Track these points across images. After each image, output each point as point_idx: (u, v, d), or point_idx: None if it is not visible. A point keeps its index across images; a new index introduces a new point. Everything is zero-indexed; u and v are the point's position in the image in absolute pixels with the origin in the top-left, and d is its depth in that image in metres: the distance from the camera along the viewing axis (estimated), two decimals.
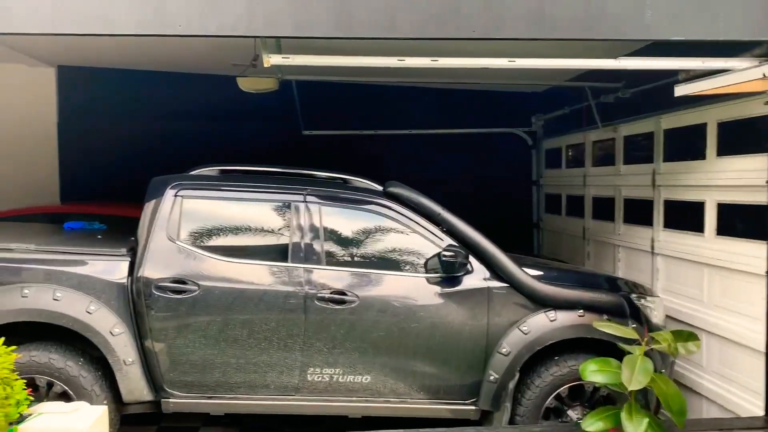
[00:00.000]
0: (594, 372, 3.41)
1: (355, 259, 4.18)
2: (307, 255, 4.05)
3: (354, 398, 4.07)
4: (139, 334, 3.89)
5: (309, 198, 4.16)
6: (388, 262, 4.18)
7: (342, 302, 3.98)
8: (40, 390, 3.74)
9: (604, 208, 6.41)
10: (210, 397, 4.00)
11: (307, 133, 7.76)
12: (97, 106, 7.91)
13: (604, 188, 6.41)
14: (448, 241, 4.15)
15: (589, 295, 4.16)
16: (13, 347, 3.20)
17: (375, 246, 4.22)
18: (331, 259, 4.11)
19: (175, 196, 4.07)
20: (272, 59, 3.66)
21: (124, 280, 3.90)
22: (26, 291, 3.75)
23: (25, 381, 3.62)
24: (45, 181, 7.91)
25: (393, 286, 4.08)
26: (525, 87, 7.81)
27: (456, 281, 4.09)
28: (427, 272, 4.11)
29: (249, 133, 7.84)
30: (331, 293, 3.99)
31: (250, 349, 3.94)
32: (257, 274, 3.98)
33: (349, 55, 3.76)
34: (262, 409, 4.05)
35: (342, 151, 7.69)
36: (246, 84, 5.84)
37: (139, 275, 3.88)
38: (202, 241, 4.05)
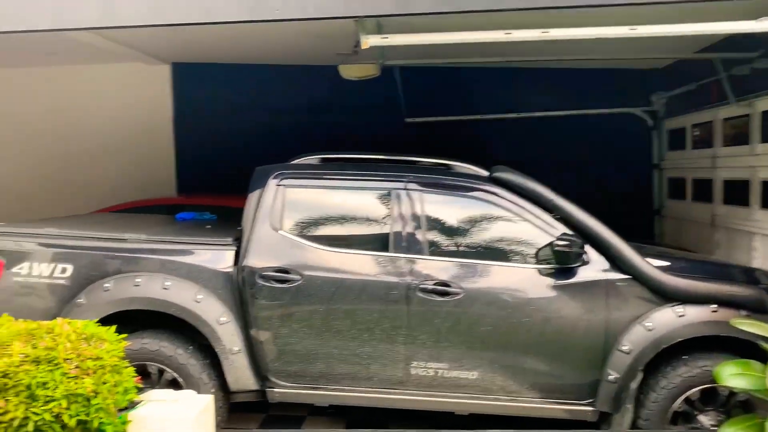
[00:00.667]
0: (733, 376, 3.02)
1: (460, 248, 3.97)
2: (409, 244, 3.89)
3: (461, 394, 3.88)
4: (245, 324, 3.89)
5: (410, 185, 4.00)
6: (494, 253, 3.94)
7: (446, 294, 3.79)
8: (152, 377, 3.85)
9: (736, 192, 5.78)
10: (314, 388, 3.95)
11: (410, 120, 7.60)
12: (209, 101, 8.16)
13: (737, 170, 5.78)
14: (562, 229, 3.85)
15: (725, 289, 3.72)
16: (124, 335, 3.27)
17: (481, 235, 3.99)
18: (434, 249, 3.93)
19: (278, 185, 4.04)
20: (371, 40, 3.53)
21: (230, 269, 3.92)
22: (138, 280, 3.86)
23: (135, 368, 3.76)
24: (162, 174, 8.28)
25: (501, 277, 3.84)
26: (643, 63, 7.22)
27: (570, 273, 3.78)
28: (538, 263, 3.84)
29: (352, 122, 7.80)
30: (434, 284, 3.81)
31: (352, 341, 3.84)
32: (359, 264, 3.88)
33: (451, 30, 3.55)
34: (365, 401, 3.95)
35: (446, 138, 7.46)
36: (347, 71, 5.77)
37: (243, 264, 3.88)
38: (304, 231, 4.00)
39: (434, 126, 7.62)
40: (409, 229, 3.92)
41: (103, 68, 8.13)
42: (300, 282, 3.84)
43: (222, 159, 7.99)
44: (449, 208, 4.03)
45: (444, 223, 4.01)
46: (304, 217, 4.04)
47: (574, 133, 7.72)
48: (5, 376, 2.72)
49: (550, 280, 3.81)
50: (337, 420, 4.62)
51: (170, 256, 3.92)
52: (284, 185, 4.04)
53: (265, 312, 3.86)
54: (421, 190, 3.99)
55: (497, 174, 4.04)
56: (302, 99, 7.91)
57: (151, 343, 3.82)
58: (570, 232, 3.83)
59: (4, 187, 8.45)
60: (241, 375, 3.90)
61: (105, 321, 3.82)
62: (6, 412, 2.69)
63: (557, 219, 3.93)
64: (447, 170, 4.27)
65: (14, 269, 3.92)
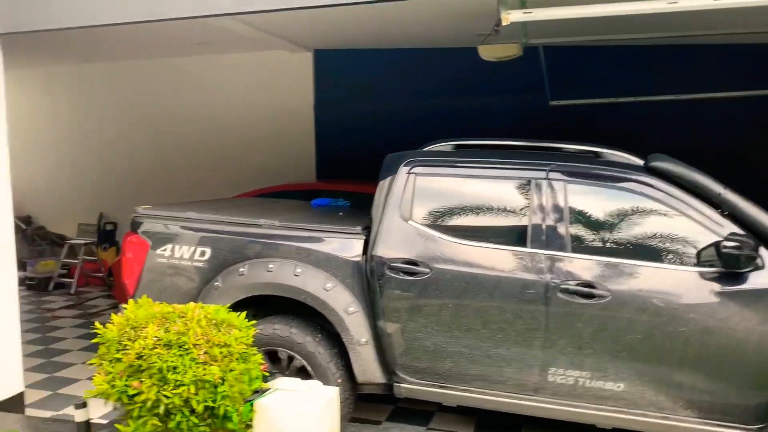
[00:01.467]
0: None
1: (607, 245, 3.57)
2: (550, 239, 3.56)
3: (603, 406, 3.51)
4: (373, 315, 3.79)
5: (552, 174, 3.65)
6: (648, 252, 3.51)
7: (590, 296, 3.43)
8: (282, 363, 3.86)
9: None
10: (442, 387, 3.76)
11: (554, 103, 7.11)
12: (349, 87, 8.20)
13: None
14: (731, 227, 3.33)
15: None
16: (253, 322, 3.27)
17: (632, 231, 3.57)
18: (578, 245, 3.56)
19: (409, 173, 3.87)
20: (512, 15, 3.23)
21: (359, 259, 3.82)
22: (271, 265, 3.87)
23: (265, 353, 3.78)
24: (303, 160, 8.47)
25: (654, 280, 3.41)
26: None
27: (740, 278, 3.27)
28: (700, 265, 3.36)
29: (494, 106, 7.46)
30: (577, 285, 3.46)
31: (484, 341, 3.60)
32: (492, 259, 3.61)
33: (602, 2, 3.15)
34: (496, 405, 3.70)
35: (595, 123, 6.93)
36: (487, 52, 5.46)
37: (372, 254, 3.76)
38: (435, 221, 3.80)
39: (582, 110, 7.07)
40: (550, 222, 3.59)
41: (250, 56, 8.45)
42: (429, 275, 3.66)
43: (361, 145, 8.01)
44: (596, 200, 3.64)
45: (590, 217, 3.63)
46: (435, 206, 3.84)
47: (750, 116, 6.82)
48: (140, 357, 2.80)
49: (714, 285, 3.32)
50: (467, 419, 4.41)
51: (301, 243, 3.90)
52: (415, 173, 3.86)
53: (392, 304, 3.72)
54: (564, 180, 3.64)
55: (654, 163, 3.58)
56: (442, 83, 7.69)
57: (282, 329, 3.82)
58: (740, 231, 3.31)
59: (158, 170, 9.09)
60: (368, 367, 3.80)
61: (238, 303, 3.91)
62: (140, 393, 2.77)
63: (724, 215, 3.41)
64: (595, 158, 3.87)
65: (158, 251, 4.09)
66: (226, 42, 7.74)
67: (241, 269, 3.91)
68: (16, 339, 4.27)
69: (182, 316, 2.98)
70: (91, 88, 9.38)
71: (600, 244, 3.59)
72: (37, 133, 9.78)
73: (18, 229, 9.52)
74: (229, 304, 3.87)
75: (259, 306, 4.16)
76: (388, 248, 3.75)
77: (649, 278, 3.41)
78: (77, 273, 8.39)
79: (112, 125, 9.33)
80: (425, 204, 3.84)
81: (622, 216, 3.57)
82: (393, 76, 7.95)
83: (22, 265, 8.79)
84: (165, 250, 4.09)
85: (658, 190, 3.49)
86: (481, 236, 3.74)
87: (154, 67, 8.94)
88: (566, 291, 3.47)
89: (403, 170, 3.88)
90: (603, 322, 3.42)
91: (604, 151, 3.87)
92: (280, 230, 3.97)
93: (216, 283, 3.94)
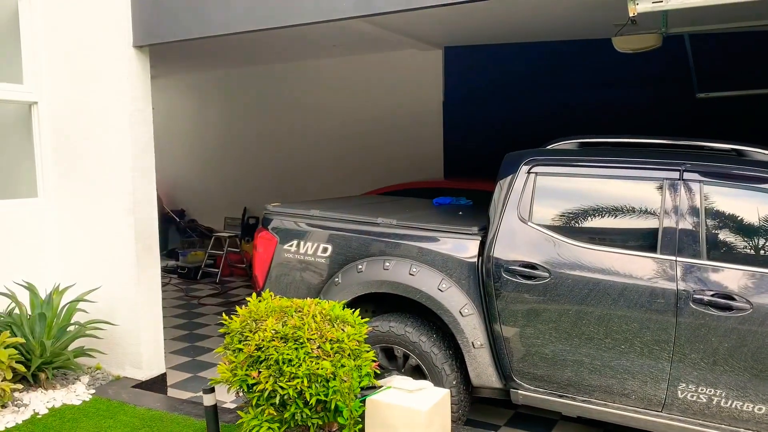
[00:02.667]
0: None
1: (750, 254, 3.24)
2: (682, 245, 3.29)
3: (740, 429, 3.19)
4: (488, 318, 3.72)
5: (687, 174, 3.37)
6: None
7: (728, 308, 3.13)
8: (398, 360, 3.90)
9: None
10: (561, 396, 3.62)
11: (702, 95, 6.57)
12: (478, 84, 8.11)
13: None
14: None
15: None
16: (366, 319, 3.33)
17: None
18: (715, 252, 3.26)
19: (528, 172, 3.75)
20: (640, 6, 3.01)
21: (474, 260, 3.76)
22: (387, 264, 3.93)
23: (382, 349, 3.85)
24: (431, 157, 8.50)
25: None
26: None
27: None
28: None
29: (635, 100, 7.03)
30: (712, 296, 3.17)
31: (606, 351, 3.41)
32: (618, 265, 3.41)
33: None
34: (619, 419, 3.50)
35: (748, 117, 6.32)
36: (622, 43, 5.14)
37: (488, 255, 3.69)
38: (555, 223, 3.65)
39: (733, 103, 6.47)
40: (684, 226, 3.32)
41: (382, 57, 8.62)
42: (548, 279, 3.53)
43: (489, 143, 7.90)
44: (739, 204, 3.31)
45: (730, 222, 3.31)
46: (556, 208, 3.69)
47: None
48: (259, 349, 2.96)
49: None
50: (592, 430, 4.21)
51: (417, 242, 3.91)
52: (536, 173, 3.73)
53: (509, 308, 3.63)
54: (701, 181, 3.34)
55: None
56: (577, 77, 7.37)
57: (398, 326, 3.86)
58: None
59: (296, 168, 9.54)
60: (483, 371, 3.75)
61: (359, 299, 4.02)
62: (258, 383, 2.92)
63: None
64: (737, 157, 3.52)
65: (285, 246, 4.29)
66: (359, 43, 7.97)
67: (360, 266, 4.00)
68: (158, 324, 4.69)
69: (299, 311, 3.11)
70: (236, 92, 10.06)
71: (741, 252, 3.26)
72: (189, 134, 10.67)
73: (173, 222, 10.45)
74: (347, 300, 4.01)
75: (380, 302, 4.26)
76: (506, 250, 3.66)
77: None
78: (222, 263, 9.02)
79: (254, 126, 9.95)
80: (546, 205, 3.70)
81: (765, 221, 3.22)
82: (524, 72, 7.75)
83: (175, 255, 9.65)
84: (291, 245, 4.28)
85: None
86: (606, 240, 3.54)
87: (292, 69, 9.40)
88: (700, 302, 3.19)
89: (523, 169, 3.77)
90: (742, 337, 3.11)
91: (749, 149, 3.51)
92: (397, 229, 4.01)
93: (336, 279, 4.07)
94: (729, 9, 4.53)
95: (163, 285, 8.64)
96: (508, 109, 7.83)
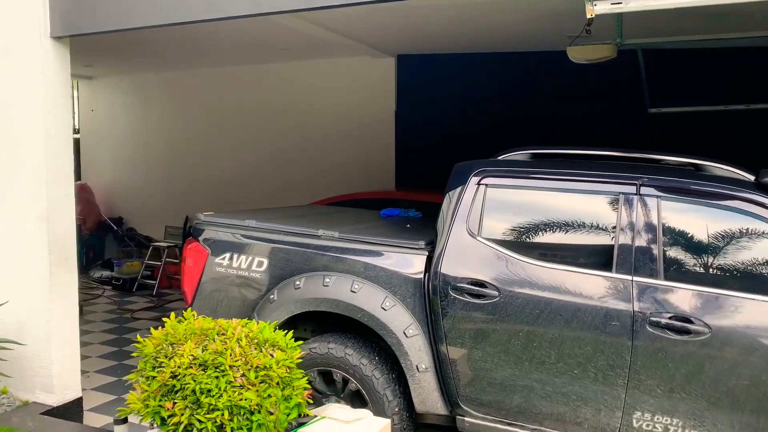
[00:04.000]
0: None
1: (708, 274, 3.07)
2: (638, 264, 3.10)
3: None
4: (434, 339, 3.46)
5: (644, 189, 3.19)
6: (758, 283, 2.98)
7: (686, 331, 2.95)
8: (337, 385, 3.60)
9: None
10: (510, 423, 3.37)
11: (654, 110, 6.51)
12: (431, 93, 7.91)
13: None
14: None
15: None
16: (300, 342, 3.03)
17: (737, 257, 3.05)
18: (672, 272, 3.08)
19: (478, 184, 3.51)
20: (598, 7, 2.81)
21: (421, 276, 3.50)
22: (328, 280, 3.63)
23: (320, 372, 3.54)
24: (382, 167, 8.24)
25: (766, 316, 2.88)
26: None
27: None
28: None
29: (587, 113, 6.93)
30: (670, 318, 2.99)
31: (558, 375, 3.18)
32: (571, 284, 3.19)
33: None
34: None
35: (700, 133, 6.28)
36: (577, 53, 4.99)
37: (435, 272, 3.44)
38: (506, 238, 3.42)
39: (685, 118, 6.43)
40: (640, 244, 3.13)
41: (334, 62, 8.34)
42: (497, 298, 3.29)
43: (442, 153, 7.63)
44: (696, 221, 3.15)
45: (688, 240, 3.14)
46: (507, 222, 3.47)
47: None
48: (174, 377, 2.62)
49: None
50: None
51: (359, 256, 3.63)
52: (486, 184, 3.50)
53: (456, 329, 3.37)
54: (658, 196, 3.16)
55: None
56: (530, 88, 7.25)
57: (337, 348, 3.56)
58: None
59: (242, 176, 9.15)
60: (428, 396, 3.47)
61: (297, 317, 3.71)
62: (173, 415, 2.58)
63: None
64: (696, 172, 3.36)
65: (217, 259, 3.95)
66: (309, 48, 7.68)
67: (297, 282, 3.69)
68: (75, 344, 4.24)
69: (222, 334, 2.78)
70: (181, 95, 9.61)
71: (699, 272, 3.09)
72: (130, 138, 10.14)
73: (110, 230, 9.90)
74: (284, 319, 3.69)
75: (321, 321, 3.95)
76: (453, 266, 3.41)
77: (759, 314, 2.89)
78: (160, 274, 8.55)
79: (200, 131, 9.51)
80: (496, 219, 3.47)
81: (727, 240, 3.06)
82: (478, 82, 7.60)
83: (110, 265, 9.11)
84: (224, 258, 3.94)
85: None
86: (559, 257, 3.33)
87: (241, 73, 9.03)
88: (657, 324, 3.00)
89: (472, 180, 3.53)
90: (700, 362, 2.93)
91: (707, 164, 3.36)
92: (338, 242, 3.72)
93: (272, 296, 3.75)
94: (683, 20, 4.42)
95: (95, 297, 8.12)
96: (461, 120, 7.66)
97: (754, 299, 2.91)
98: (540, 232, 3.41)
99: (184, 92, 9.55)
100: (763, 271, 3.01)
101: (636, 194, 3.19)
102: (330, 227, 3.86)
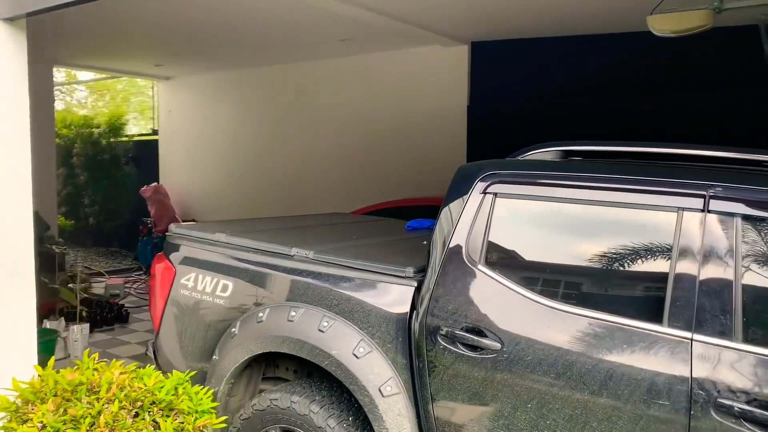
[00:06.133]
0: None
1: None
2: (703, 316, 2.06)
3: None
4: (418, 399, 2.59)
5: (714, 202, 2.13)
6: None
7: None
8: None
9: None
10: None
11: None
12: (509, 84, 6.92)
13: None
14: None
15: None
16: (216, 404, 2.28)
17: None
18: (756, 331, 2.02)
19: (485, 192, 2.59)
20: None
21: (406, 315, 2.64)
22: (293, 314, 2.86)
23: None
24: (453, 166, 7.33)
25: None
26: None
27: None
28: None
29: (689, 101, 5.67)
30: (748, 402, 1.93)
31: None
32: (604, 338, 2.21)
33: None
34: None
35: None
36: (660, 24, 3.88)
37: (421, 311, 2.57)
38: (516, 270, 2.48)
39: None
40: (708, 286, 2.09)
41: (402, 54, 7.57)
42: (499, 353, 2.36)
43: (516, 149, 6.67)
44: None
45: None
46: (519, 247, 2.53)
47: None
48: None
49: None
50: None
51: (334, 284, 2.82)
52: (495, 193, 2.57)
53: (445, 390, 2.49)
54: (736, 214, 2.10)
55: None
56: (616, 74, 6.08)
57: (302, 403, 2.77)
58: None
59: (304, 178, 8.59)
60: None
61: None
62: None
63: None
64: None
65: (182, 280, 3.30)
66: (371, 38, 6.98)
67: (261, 314, 2.95)
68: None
69: (95, 392, 2.09)
70: (250, 93, 9.23)
71: None
72: (205, 139, 9.92)
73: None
74: (241, 360, 2.97)
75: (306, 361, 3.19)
76: (444, 305, 2.52)
77: None
78: None
79: (269, 131, 9.08)
80: (505, 241, 2.54)
81: None
82: (562, 70, 6.51)
83: None
84: (189, 279, 3.29)
85: None
86: (588, 300, 2.35)
87: (298, 69, 8.50)
88: (728, 410, 1.96)
89: (478, 187, 2.62)
90: None
91: None
92: (312, 265, 2.93)
93: (233, 330, 3.04)
94: None
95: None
96: (543, 112, 6.60)
97: None
98: (564, 263, 2.44)
99: (254, 91, 9.16)
100: None
101: (702, 210, 2.14)
102: (310, 244, 3.09)
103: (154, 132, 10.98)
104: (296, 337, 2.80)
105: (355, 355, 2.67)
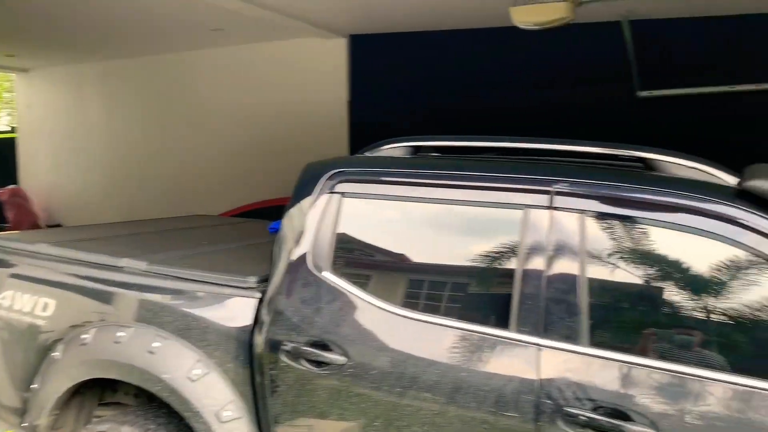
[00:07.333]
0: None
1: (660, 338, 1.90)
2: (550, 320, 1.94)
3: None
4: (261, 425, 2.33)
5: (559, 199, 2.02)
6: (738, 355, 1.81)
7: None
8: None
9: None
10: None
11: (645, 94, 5.33)
12: (386, 76, 6.77)
13: None
14: None
15: None
16: None
17: (712, 310, 1.88)
18: (604, 336, 1.92)
19: (332, 192, 2.37)
20: None
21: (248, 331, 2.38)
22: (120, 334, 2.52)
23: None
24: None
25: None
26: None
27: None
28: None
29: (568, 97, 5.76)
30: (595, 410, 1.82)
31: None
32: (451, 347, 2.04)
33: None
34: None
35: (700, 120, 5.10)
36: (522, 15, 3.82)
37: (260, 325, 2.31)
38: (361, 276, 2.28)
39: (683, 102, 5.21)
40: (554, 288, 1.97)
41: (279, 46, 7.25)
42: (345, 367, 2.15)
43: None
44: (641, 250, 1.97)
45: (630, 281, 1.97)
46: (365, 250, 2.33)
47: None
48: None
49: None
50: None
51: (168, 298, 2.51)
52: (342, 193, 2.36)
53: (289, 410, 2.25)
54: (581, 211, 2.00)
55: (753, 183, 1.85)
56: (490, 69, 6.08)
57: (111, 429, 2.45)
58: None
59: (181, 176, 8.11)
60: None
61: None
62: None
63: None
64: (644, 170, 2.19)
65: None
66: (245, 29, 6.61)
67: (85, 336, 2.59)
68: None
69: None
70: (116, 88, 8.59)
71: (646, 335, 1.92)
72: (69, 137, 9.13)
73: None
74: (65, 388, 2.60)
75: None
76: (289, 317, 2.28)
77: (745, 402, 1.72)
78: None
79: (139, 128, 8.47)
80: (352, 244, 2.33)
81: (693, 281, 1.89)
82: (447, 66, 6.42)
83: None
84: (5, 297, 2.86)
85: (760, 232, 1.78)
86: (436, 306, 2.18)
87: (171, 61, 7.99)
88: (574, 420, 1.84)
89: (324, 187, 2.39)
90: None
91: (662, 159, 2.17)
92: (144, 278, 2.60)
93: (55, 354, 2.65)
94: None
95: None
96: (424, 108, 6.50)
97: (740, 384, 1.73)
98: (409, 267, 2.26)
99: (124, 83, 8.51)
100: (752, 336, 1.83)
101: (547, 207, 2.02)
102: (148, 254, 2.75)
103: (12, 129, 10.02)
104: (123, 360, 2.47)
105: (189, 378, 2.37)
